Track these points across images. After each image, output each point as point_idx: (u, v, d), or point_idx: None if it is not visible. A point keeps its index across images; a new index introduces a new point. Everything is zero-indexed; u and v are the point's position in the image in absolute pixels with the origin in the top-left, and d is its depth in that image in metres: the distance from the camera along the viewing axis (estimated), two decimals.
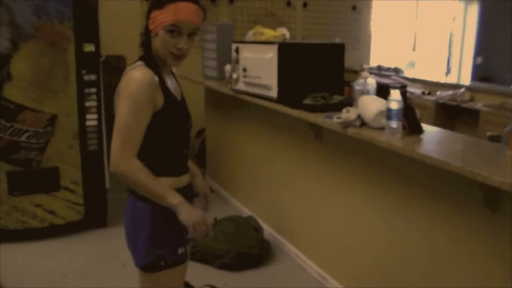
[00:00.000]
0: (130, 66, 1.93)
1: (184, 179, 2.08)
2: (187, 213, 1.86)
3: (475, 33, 9.10)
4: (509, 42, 8.63)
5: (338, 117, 2.60)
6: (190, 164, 2.27)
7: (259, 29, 3.64)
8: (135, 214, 1.99)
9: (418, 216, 2.55)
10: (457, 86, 5.77)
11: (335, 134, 2.86)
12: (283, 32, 3.54)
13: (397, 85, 3.52)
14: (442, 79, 7.78)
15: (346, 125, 2.57)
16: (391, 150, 2.33)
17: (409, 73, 7.15)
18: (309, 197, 3.57)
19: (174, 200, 1.85)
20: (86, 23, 3.99)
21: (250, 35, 3.68)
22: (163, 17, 1.84)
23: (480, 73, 8.88)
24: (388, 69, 6.93)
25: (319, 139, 3.32)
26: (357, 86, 2.86)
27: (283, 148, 3.84)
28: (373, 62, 7.65)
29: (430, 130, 2.59)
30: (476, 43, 9.12)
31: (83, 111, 4.05)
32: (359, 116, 2.59)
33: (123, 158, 1.81)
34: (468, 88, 5.61)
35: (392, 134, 2.39)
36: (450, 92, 5.54)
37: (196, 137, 5.93)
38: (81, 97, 4.03)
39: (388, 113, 2.38)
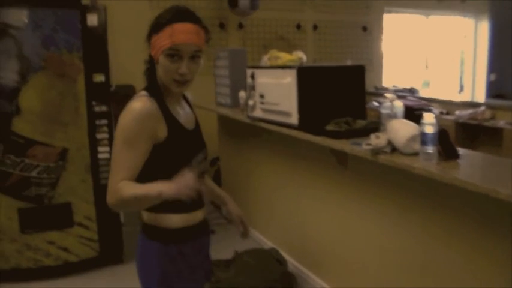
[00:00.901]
0: (134, 96, 1.80)
1: (197, 215, 1.93)
2: (168, 190, 1.61)
3: (487, 50, 8.99)
4: None
5: (367, 144, 2.44)
6: (219, 190, 2.22)
7: (275, 52, 3.51)
8: (145, 254, 1.89)
9: (459, 243, 2.38)
10: (475, 105, 5.61)
11: (360, 160, 2.72)
12: (300, 56, 3.40)
13: (427, 107, 3.39)
14: (456, 97, 7.65)
15: (377, 151, 2.42)
16: (428, 177, 2.17)
17: (424, 93, 7.01)
18: (335, 226, 3.40)
19: (156, 192, 1.63)
20: (95, 53, 3.88)
21: (265, 60, 3.54)
22: (161, 41, 1.72)
23: (494, 90, 8.76)
24: (403, 89, 6.78)
25: (343, 166, 3.17)
26: (384, 109, 2.71)
27: (304, 176, 3.69)
28: (386, 83, 7.53)
29: (464, 153, 2.42)
30: (489, 60, 9.01)
31: (94, 143, 3.92)
32: (389, 142, 2.44)
33: (110, 191, 1.67)
34: (488, 106, 5.46)
35: (428, 159, 2.23)
36: (470, 111, 5.38)
37: (211, 166, 5.79)
38: (92, 129, 3.91)
39: (423, 138, 2.23)
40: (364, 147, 2.45)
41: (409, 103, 2.87)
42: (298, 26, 6.81)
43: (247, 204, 4.74)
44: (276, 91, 3.25)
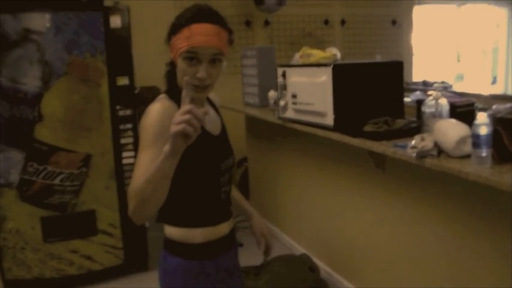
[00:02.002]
0: (154, 100, 1.66)
1: (222, 229, 1.79)
2: (170, 136, 1.32)
3: None
4: None
5: (413, 147, 2.24)
6: (245, 203, 2.04)
7: (307, 50, 3.32)
8: (167, 270, 1.76)
9: (502, 253, 2.17)
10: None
11: (399, 163, 2.52)
12: (334, 52, 3.21)
13: (471, 104, 3.18)
14: (488, 90, 7.37)
15: (423, 155, 2.22)
16: (481, 183, 1.97)
17: (458, 87, 6.74)
18: (369, 230, 3.22)
19: (162, 155, 1.34)
20: (119, 55, 3.75)
21: (297, 58, 3.35)
22: (179, 43, 1.59)
23: None
24: (434, 84, 6.50)
25: (381, 168, 2.97)
26: (428, 108, 2.51)
27: (339, 178, 3.50)
28: (416, 77, 7.26)
29: None
30: None
31: (118, 149, 3.79)
32: (436, 144, 2.24)
33: (128, 197, 1.44)
34: None
35: (482, 163, 2.03)
36: (509, 105, 5.11)
37: (237, 167, 5.62)
38: (117, 134, 3.77)
39: (476, 140, 2.02)
40: (409, 150, 2.24)
41: (452, 100, 2.66)
42: (326, 22, 6.59)
43: (276, 208, 4.58)
44: (310, 90, 3.06)
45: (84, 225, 3.78)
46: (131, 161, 3.78)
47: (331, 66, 2.86)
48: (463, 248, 2.46)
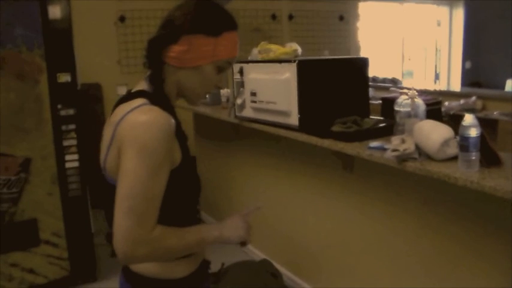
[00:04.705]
0: (125, 107, 1.32)
1: (200, 255, 1.57)
2: (232, 231, 1.50)
3: (462, 38, 8.82)
4: (497, 44, 8.38)
5: (394, 149, 2.08)
6: None
7: (265, 45, 3.11)
8: None
9: (497, 264, 2.06)
10: (465, 95, 5.34)
11: (368, 164, 2.38)
12: (295, 48, 3.01)
13: (437, 102, 3.07)
14: (432, 86, 7.45)
15: (404, 158, 2.06)
16: (472, 188, 1.83)
17: (406, 83, 6.74)
18: (336, 234, 3.07)
19: (215, 234, 1.44)
20: (59, 50, 3.44)
21: (255, 53, 3.14)
22: (218, 49, 1.39)
23: (470, 78, 8.60)
24: (384, 80, 6.48)
25: (349, 169, 2.82)
26: (402, 107, 2.36)
27: (300, 180, 3.33)
28: None
29: (505, 157, 2.08)
30: (464, 47, 8.84)
31: (61, 151, 3.48)
32: (417, 147, 2.09)
33: (141, 240, 1.23)
34: (478, 96, 5.19)
35: (470, 167, 1.89)
36: (462, 101, 5.10)
37: None
38: (59, 136, 3.47)
39: (464, 143, 1.88)
40: (391, 154, 2.08)
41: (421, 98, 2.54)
42: (274, 16, 6.45)
43: (229, 211, 4.36)
44: (272, 88, 2.86)
45: (25, 235, 3.46)
46: (75, 164, 3.53)
47: (296, 62, 2.67)
48: (433, 248, 2.37)
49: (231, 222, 1.49)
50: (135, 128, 1.24)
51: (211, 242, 1.41)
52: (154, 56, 1.38)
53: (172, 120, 1.29)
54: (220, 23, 1.40)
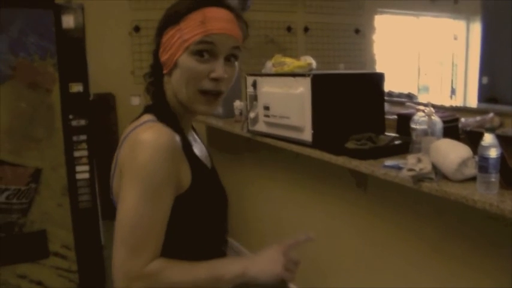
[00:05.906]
0: (133, 124, 1.24)
1: None
2: (262, 267, 1.23)
3: (480, 52, 8.72)
4: None
5: (410, 169, 2.02)
6: None
7: (279, 58, 3.07)
8: None
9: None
10: (482, 111, 5.24)
11: (383, 182, 2.30)
12: (309, 61, 2.97)
13: (455, 119, 3.00)
14: (447, 102, 7.36)
15: (420, 178, 2.00)
16: (494, 213, 1.76)
17: (422, 98, 6.66)
18: (350, 252, 3.00)
19: (237, 270, 1.19)
20: (72, 60, 3.41)
21: (269, 66, 3.10)
22: (186, 32, 1.19)
23: (486, 93, 8.48)
24: (400, 94, 6.41)
25: (362, 187, 2.75)
26: (419, 124, 2.30)
27: (314, 196, 3.27)
28: None
29: None
30: (481, 62, 8.74)
31: (71, 162, 3.44)
32: (433, 166, 2.03)
33: (135, 275, 1.09)
34: (495, 112, 5.09)
35: (489, 189, 1.82)
36: (478, 118, 5.00)
37: None
38: (70, 146, 3.43)
39: (483, 163, 1.81)
40: (407, 173, 2.02)
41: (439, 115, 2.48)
42: (289, 29, 6.41)
43: (241, 224, 4.31)
44: (285, 102, 2.81)
45: (34, 247, 3.42)
46: (86, 176, 3.47)
47: (310, 76, 2.62)
48: (451, 276, 2.28)
49: (263, 256, 1.26)
50: (133, 148, 1.15)
51: (232, 280, 1.18)
52: (155, 69, 1.30)
53: (177, 138, 1.18)
54: (180, 8, 1.22)
